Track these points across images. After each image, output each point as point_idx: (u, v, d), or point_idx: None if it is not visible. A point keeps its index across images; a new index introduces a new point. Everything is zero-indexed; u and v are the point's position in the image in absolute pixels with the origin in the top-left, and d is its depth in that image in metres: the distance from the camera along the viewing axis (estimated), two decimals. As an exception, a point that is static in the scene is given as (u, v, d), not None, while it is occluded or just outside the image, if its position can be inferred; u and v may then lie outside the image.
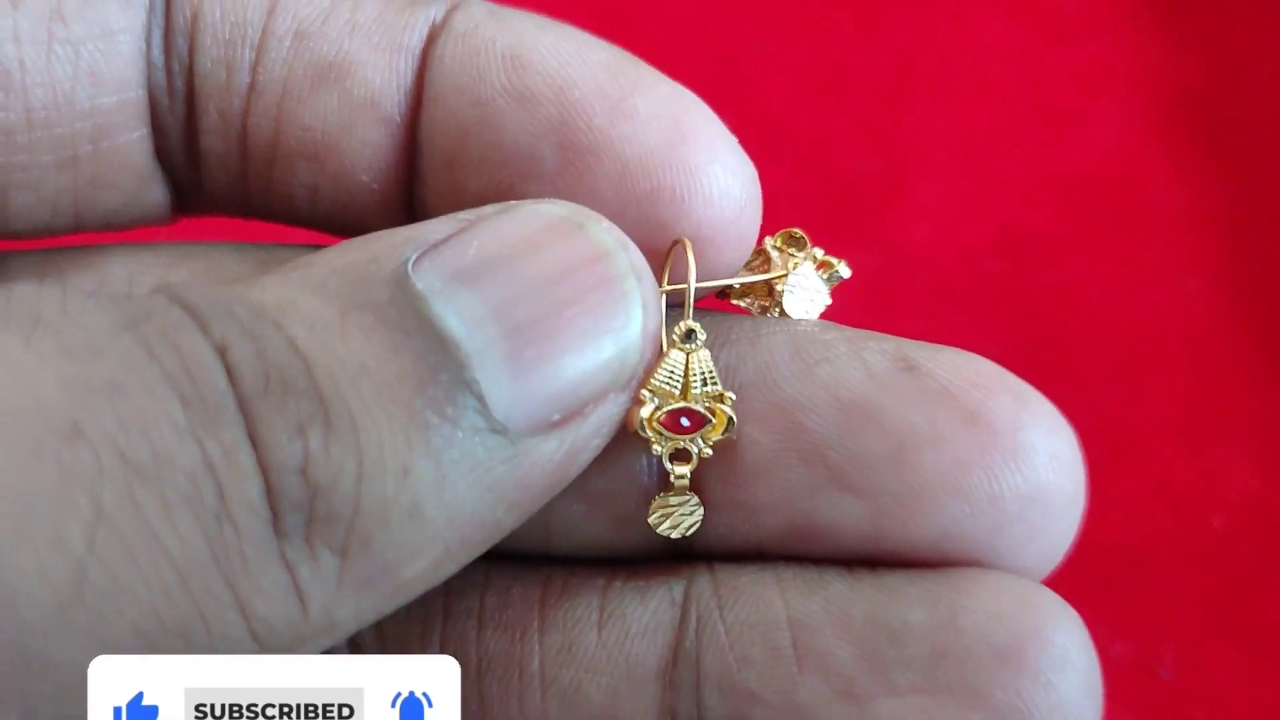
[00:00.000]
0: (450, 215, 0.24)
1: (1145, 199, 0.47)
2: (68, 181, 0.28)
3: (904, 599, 0.25)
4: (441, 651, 0.28)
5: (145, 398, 0.21)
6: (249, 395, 0.21)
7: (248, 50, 0.28)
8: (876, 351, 0.26)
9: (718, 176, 0.26)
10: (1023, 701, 0.24)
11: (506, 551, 0.27)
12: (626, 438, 0.26)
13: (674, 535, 0.27)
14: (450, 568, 0.23)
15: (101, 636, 0.20)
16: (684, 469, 0.26)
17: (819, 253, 0.30)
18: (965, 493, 0.25)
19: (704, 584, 0.27)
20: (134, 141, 0.28)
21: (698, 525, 0.27)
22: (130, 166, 0.29)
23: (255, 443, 0.21)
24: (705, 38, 0.49)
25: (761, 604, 0.26)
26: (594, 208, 0.26)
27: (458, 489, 0.22)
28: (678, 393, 0.26)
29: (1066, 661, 0.24)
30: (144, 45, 0.28)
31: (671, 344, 0.26)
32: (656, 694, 0.27)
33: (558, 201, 0.25)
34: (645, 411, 0.26)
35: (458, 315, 0.23)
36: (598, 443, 0.24)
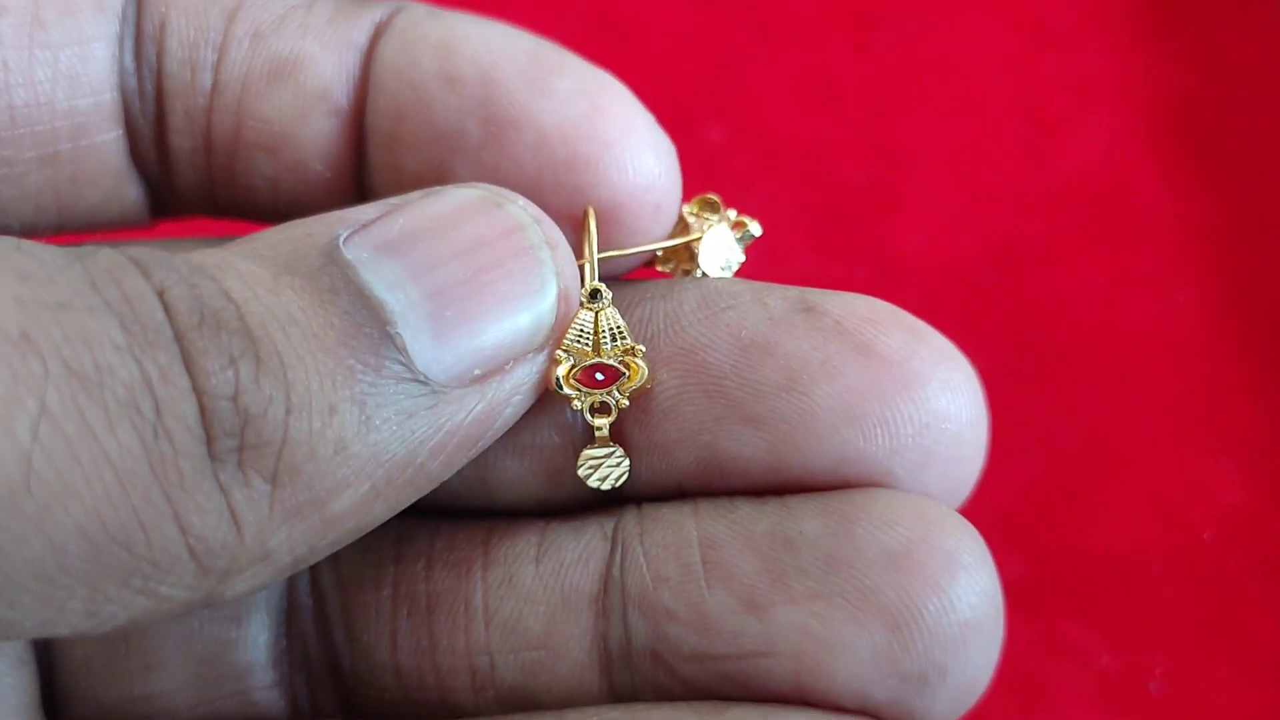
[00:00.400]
0: (381, 201, 0.27)
1: (1136, 209, 0.47)
2: (49, 178, 0.30)
3: (801, 513, 0.27)
4: (394, 590, 0.30)
5: (89, 317, 0.22)
6: (184, 327, 0.23)
7: (210, 52, 0.30)
8: (778, 297, 0.28)
9: (631, 148, 0.28)
10: (911, 602, 0.25)
11: (453, 506, 0.30)
12: (551, 396, 0.28)
13: (603, 488, 0.28)
14: (381, 509, 0.25)
15: (48, 531, 0.21)
16: (603, 421, 0.28)
17: (732, 214, 0.31)
18: (858, 419, 0.26)
19: (630, 518, 0.29)
20: (110, 141, 0.30)
21: (625, 476, 0.28)
22: (107, 165, 0.31)
23: (190, 368, 0.23)
24: (699, 49, 0.49)
25: (676, 528, 0.28)
26: (515, 175, 0.28)
27: (382, 432, 0.24)
28: (590, 350, 0.28)
29: (956, 564, 0.25)
30: (117, 51, 0.30)
31: (581, 305, 0.27)
32: (590, 620, 0.28)
33: (478, 185, 0.27)
34: (561, 370, 0.27)
35: (383, 280, 0.24)
36: (519, 399, 0.26)
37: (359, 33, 0.30)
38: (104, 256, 0.23)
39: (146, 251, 0.24)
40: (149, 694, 0.30)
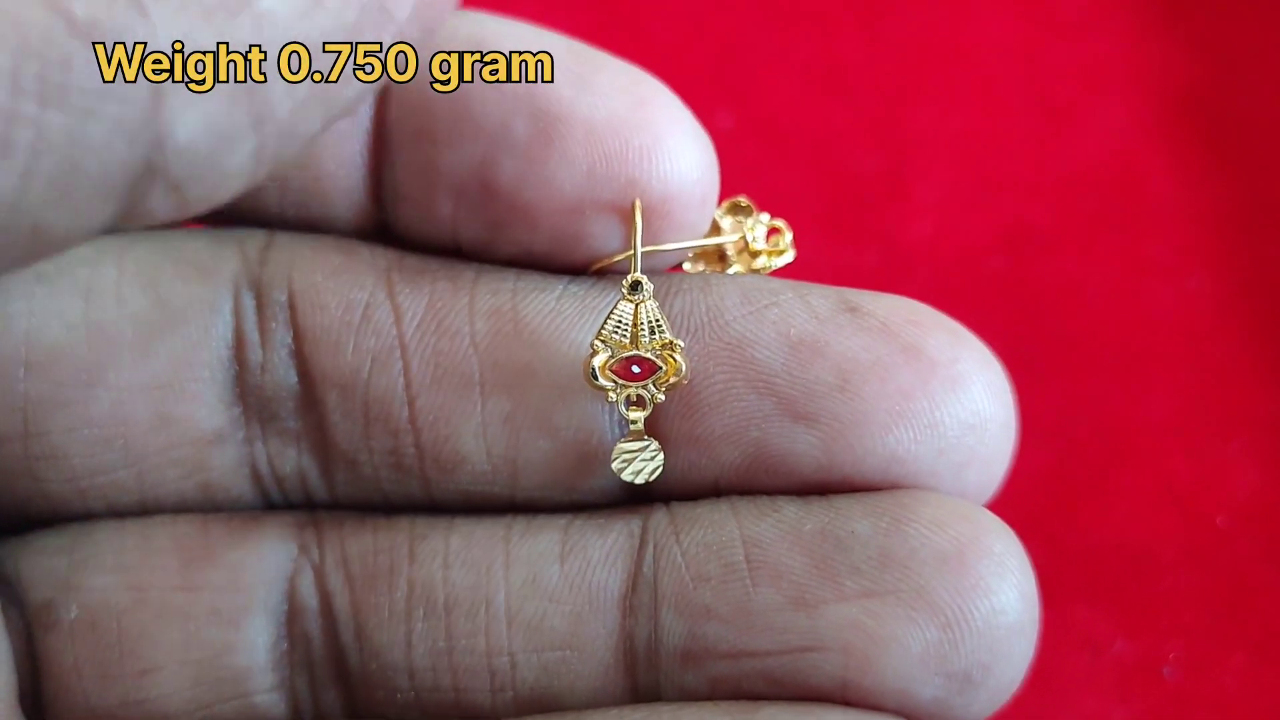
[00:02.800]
0: None
1: (1146, 196, 0.47)
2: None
3: (851, 514, 0.27)
4: (409, 591, 0.29)
5: None
6: None
7: None
8: (820, 296, 0.29)
9: (680, 139, 0.28)
10: (964, 602, 0.26)
11: (473, 498, 0.29)
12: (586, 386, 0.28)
13: (637, 481, 0.28)
14: (312, 26, 0.23)
15: None
16: (638, 414, 0.28)
17: (765, 217, 0.32)
18: (909, 418, 0.27)
19: (661, 517, 0.29)
20: None
21: (659, 471, 0.28)
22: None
23: None
24: (708, 35, 0.49)
25: (716, 527, 0.28)
26: (566, 169, 0.28)
27: None
28: (627, 342, 0.28)
29: (1004, 568, 0.26)
30: None
31: (620, 296, 0.28)
32: (617, 619, 0.28)
33: None
34: (598, 361, 0.28)
35: None
36: None
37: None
38: None
39: None
40: (145, 699, 0.30)
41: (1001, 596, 0.26)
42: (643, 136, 0.28)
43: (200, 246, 0.31)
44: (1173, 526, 0.40)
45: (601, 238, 0.29)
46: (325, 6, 0.23)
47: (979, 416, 0.27)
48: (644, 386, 0.28)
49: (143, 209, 0.23)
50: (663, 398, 0.28)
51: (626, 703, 0.28)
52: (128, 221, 0.24)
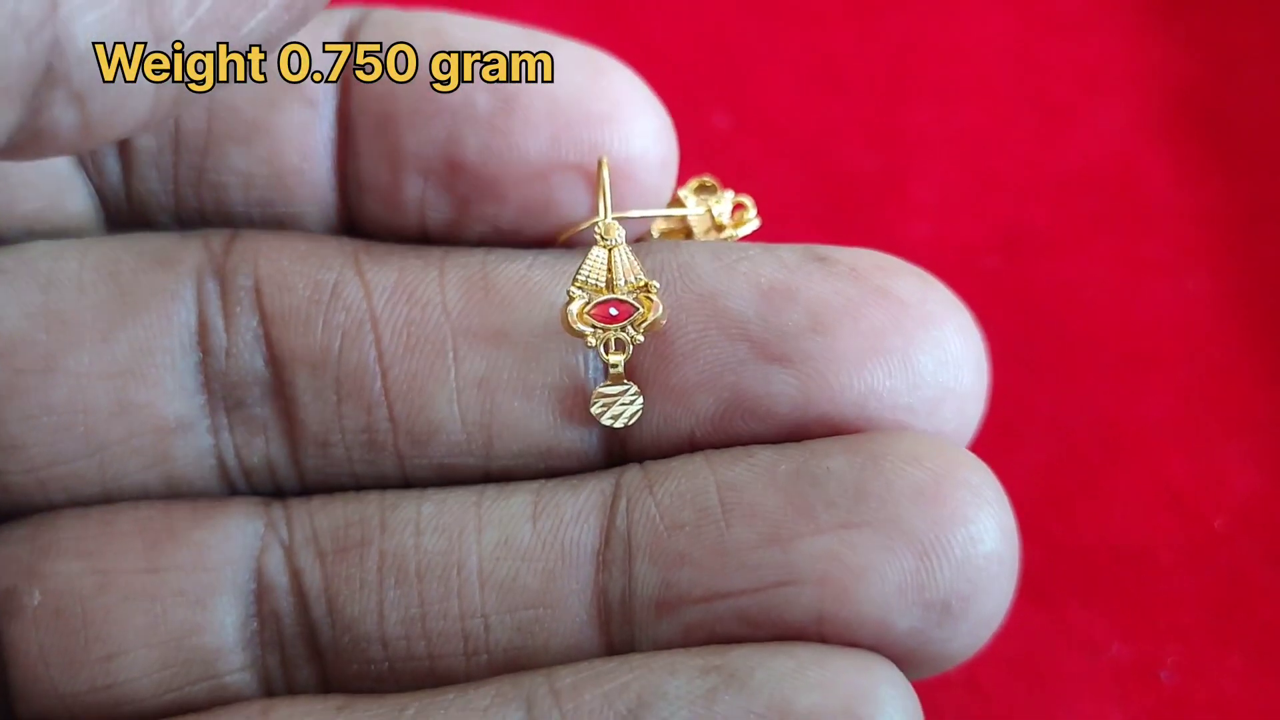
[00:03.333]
0: None
1: (1144, 195, 0.47)
2: None
3: (827, 453, 0.27)
4: (380, 561, 0.29)
5: None
6: None
7: None
8: (788, 250, 0.29)
9: (638, 104, 0.29)
10: (941, 531, 0.26)
11: (447, 468, 0.30)
12: (563, 334, 0.28)
13: (616, 425, 0.29)
14: None
15: None
16: (619, 358, 0.28)
17: (729, 195, 0.32)
18: (883, 355, 0.27)
19: (634, 473, 0.29)
20: None
21: (639, 414, 0.28)
22: (45, 169, 0.30)
23: None
24: (702, 35, 0.49)
25: (690, 476, 0.28)
26: (531, 138, 0.29)
27: None
28: (603, 287, 0.28)
29: (981, 498, 0.26)
30: None
31: (594, 243, 0.28)
32: (590, 574, 0.28)
33: None
34: (575, 307, 0.28)
35: None
36: None
37: (330, 30, 0.30)
38: None
39: None
40: (112, 683, 0.30)
41: (978, 525, 0.26)
42: (602, 103, 0.29)
43: (164, 242, 0.31)
44: (1171, 528, 0.40)
45: (568, 205, 0.30)
46: None
47: (951, 353, 0.28)
48: (622, 329, 0.28)
49: (46, 120, 0.23)
50: (642, 339, 0.28)
51: (601, 657, 0.28)
52: (33, 140, 0.23)
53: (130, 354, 0.30)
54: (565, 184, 0.29)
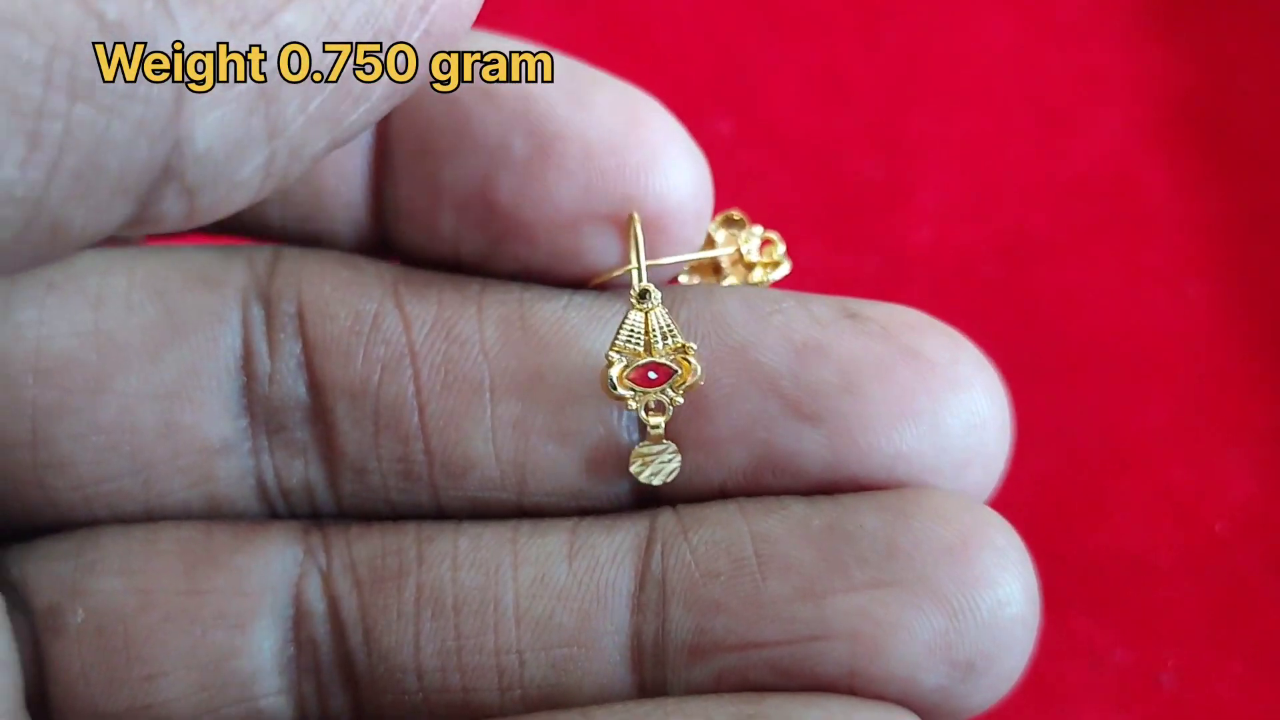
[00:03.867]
0: None
1: (1145, 203, 0.47)
2: None
3: (858, 510, 0.28)
4: (417, 593, 0.29)
5: None
6: None
7: None
8: (820, 304, 0.29)
9: (675, 156, 0.29)
10: (970, 593, 0.26)
11: (480, 503, 0.30)
12: (600, 388, 0.29)
13: (655, 482, 0.29)
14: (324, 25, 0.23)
15: None
16: (659, 419, 0.29)
17: (759, 230, 0.32)
18: (913, 417, 0.28)
19: (668, 518, 0.29)
20: None
21: (677, 471, 0.29)
22: None
23: None
24: (707, 43, 0.49)
25: (724, 525, 0.28)
26: (563, 184, 0.29)
27: None
28: (642, 350, 0.28)
29: (1007, 559, 0.27)
30: None
31: (630, 306, 0.28)
32: (625, 616, 0.28)
33: None
34: (615, 371, 0.28)
35: None
36: None
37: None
38: None
39: None
40: (151, 703, 0.30)
41: (1005, 588, 0.27)
42: (638, 154, 0.29)
43: (208, 260, 0.31)
44: (1171, 534, 0.40)
45: (598, 252, 0.30)
46: (341, 28, 0.24)
47: (979, 416, 0.28)
48: (662, 391, 0.29)
49: (155, 211, 0.24)
50: (681, 400, 0.29)
51: (633, 698, 0.29)
52: (138, 226, 0.24)
53: (178, 376, 0.30)
54: (596, 233, 0.29)
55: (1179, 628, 0.38)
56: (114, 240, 0.30)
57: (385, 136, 0.30)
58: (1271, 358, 0.43)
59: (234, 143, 0.23)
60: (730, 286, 0.31)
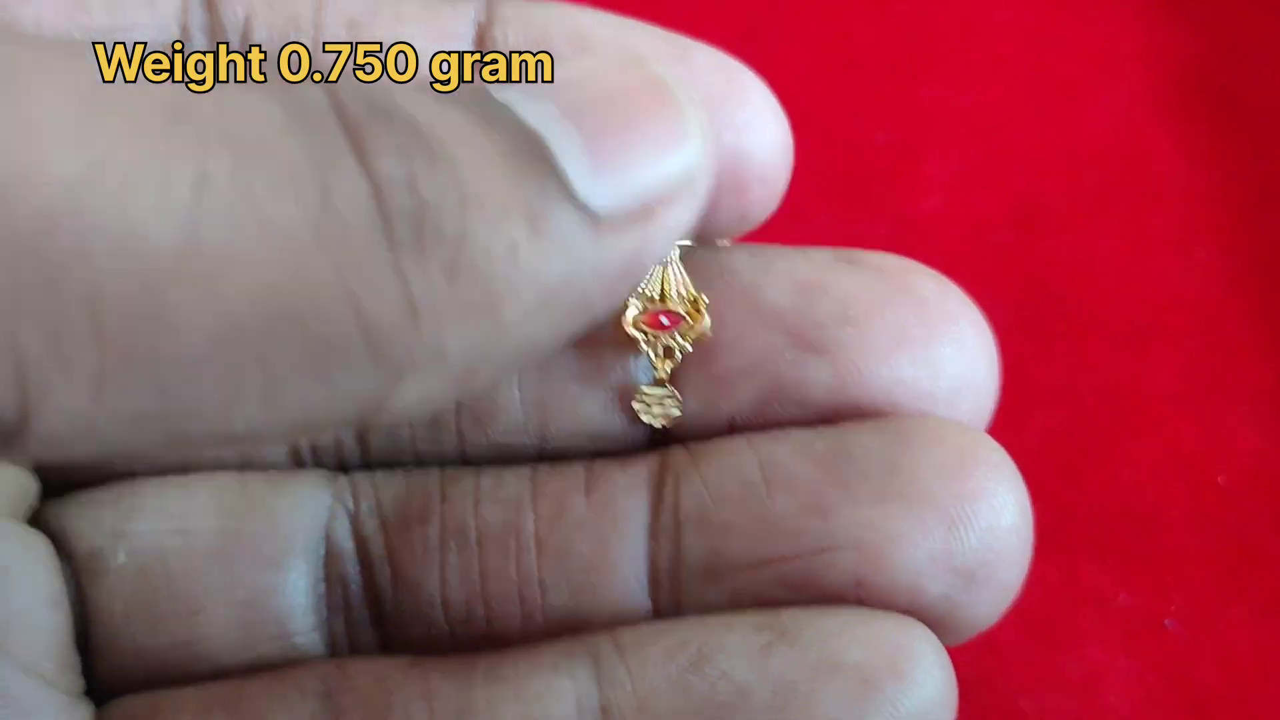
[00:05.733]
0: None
1: (1154, 171, 0.47)
2: None
3: (860, 433, 0.29)
4: (441, 528, 0.31)
5: (246, 95, 0.21)
6: (350, 115, 0.22)
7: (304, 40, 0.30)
8: (819, 252, 0.31)
9: (773, 111, 0.31)
10: (967, 505, 0.28)
11: (500, 446, 0.31)
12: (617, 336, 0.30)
13: (654, 424, 0.30)
14: (546, 328, 0.24)
15: (218, 296, 0.20)
16: (667, 364, 0.30)
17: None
18: (909, 345, 0.30)
19: (679, 452, 0.31)
20: None
21: (677, 416, 0.30)
22: None
23: (359, 152, 0.21)
24: (718, 11, 0.50)
25: (734, 454, 0.30)
26: None
27: (550, 242, 0.23)
28: (657, 297, 0.30)
29: (1000, 475, 0.29)
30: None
31: None
32: (642, 542, 0.30)
33: (616, 52, 0.29)
34: (630, 314, 0.30)
35: (537, 116, 0.23)
36: (665, 239, 0.25)
37: (460, 23, 0.30)
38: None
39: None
40: (191, 639, 0.31)
41: (1000, 499, 0.28)
42: (743, 111, 0.30)
43: None
44: (1177, 488, 0.40)
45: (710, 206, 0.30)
46: (551, 314, 0.23)
47: (968, 348, 0.30)
48: (672, 336, 0.30)
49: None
50: (690, 348, 0.30)
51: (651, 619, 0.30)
52: None
53: None
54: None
55: (1184, 576, 0.39)
56: None
57: None
58: (1278, 322, 0.44)
59: (428, 407, 0.23)
60: (735, 245, 0.32)
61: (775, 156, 0.30)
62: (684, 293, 0.30)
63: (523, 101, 0.24)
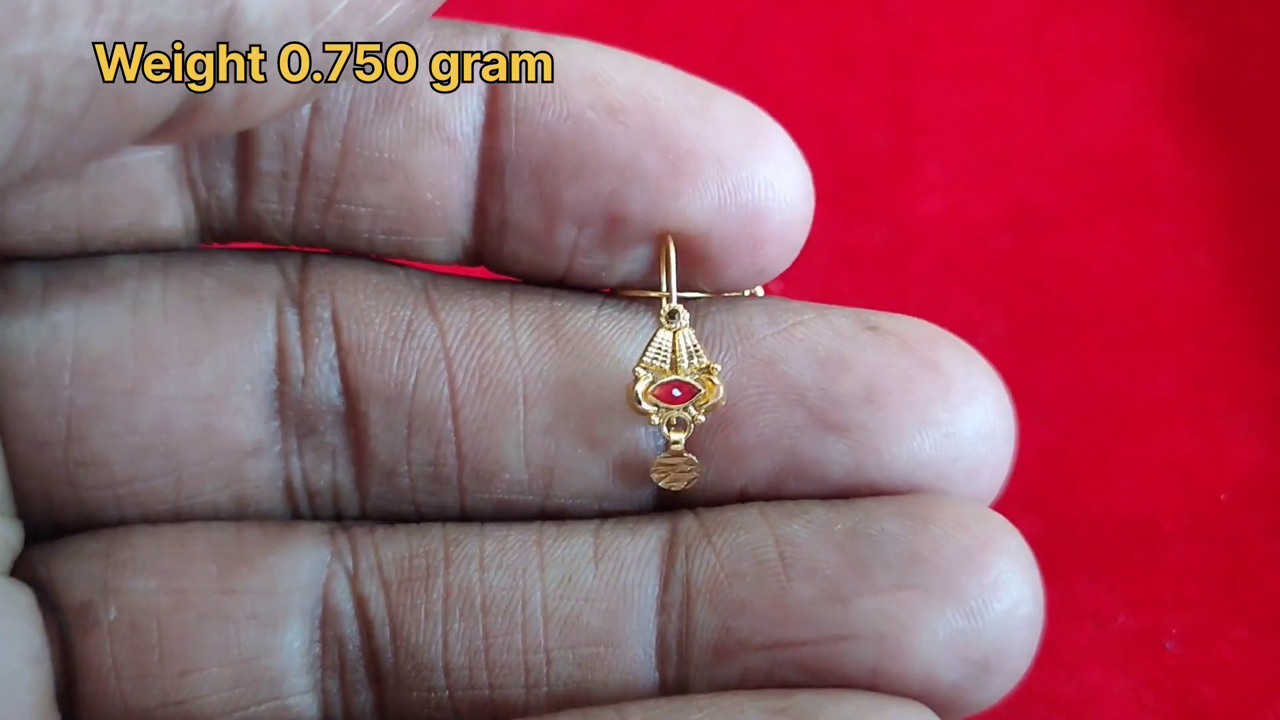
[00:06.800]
0: None
1: (1152, 174, 0.47)
2: (70, 194, 0.30)
3: (879, 515, 0.29)
4: (445, 593, 0.30)
5: None
6: None
7: None
8: (841, 316, 0.30)
9: (795, 167, 0.30)
10: (986, 595, 0.28)
11: (507, 504, 0.31)
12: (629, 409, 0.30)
13: (675, 488, 0.30)
14: None
15: None
16: (680, 435, 0.30)
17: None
18: (930, 427, 0.29)
19: (690, 521, 0.30)
20: (149, 161, 0.30)
21: (696, 479, 0.30)
22: (141, 185, 0.30)
23: None
24: (714, 14, 0.49)
25: (747, 528, 0.29)
26: (698, 201, 0.30)
27: None
28: (667, 367, 0.29)
29: (1019, 564, 0.28)
30: None
31: (659, 325, 0.30)
32: (651, 616, 0.29)
33: None
34: (640, 386, 0.29)
35: None
36: None
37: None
38: None
39: None
40: (183, 699, 0.30)
41: (1018, 591, 0.28)
42: (765, 169, 0.30)
43: (241, 265, 0.32)
44: (1176, 501, 0.40)
45: (725, 262, 0.30)
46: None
47: (989, 427, 0.30)
48: (684, 409, 0.29)
49: (209, 98, 0.24)
50: (703, 419, 0.30)
51: (658, 696, 0.29)
52: (188, 117, 0.24)
53: (214, 380, 0.31)
54: (725, 243, 0.30)
55: (1184, 592, 0.38)
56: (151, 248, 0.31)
57: (494, 156, 0.30)
58: (1277, 327, 0.43)
59: (283, 19, 0.24)
60: (752, 299, 0.31)
61: (793, 215, 0.30)
62: (696, 362, 0.29)
63: None
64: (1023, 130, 0.48)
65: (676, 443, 0.30)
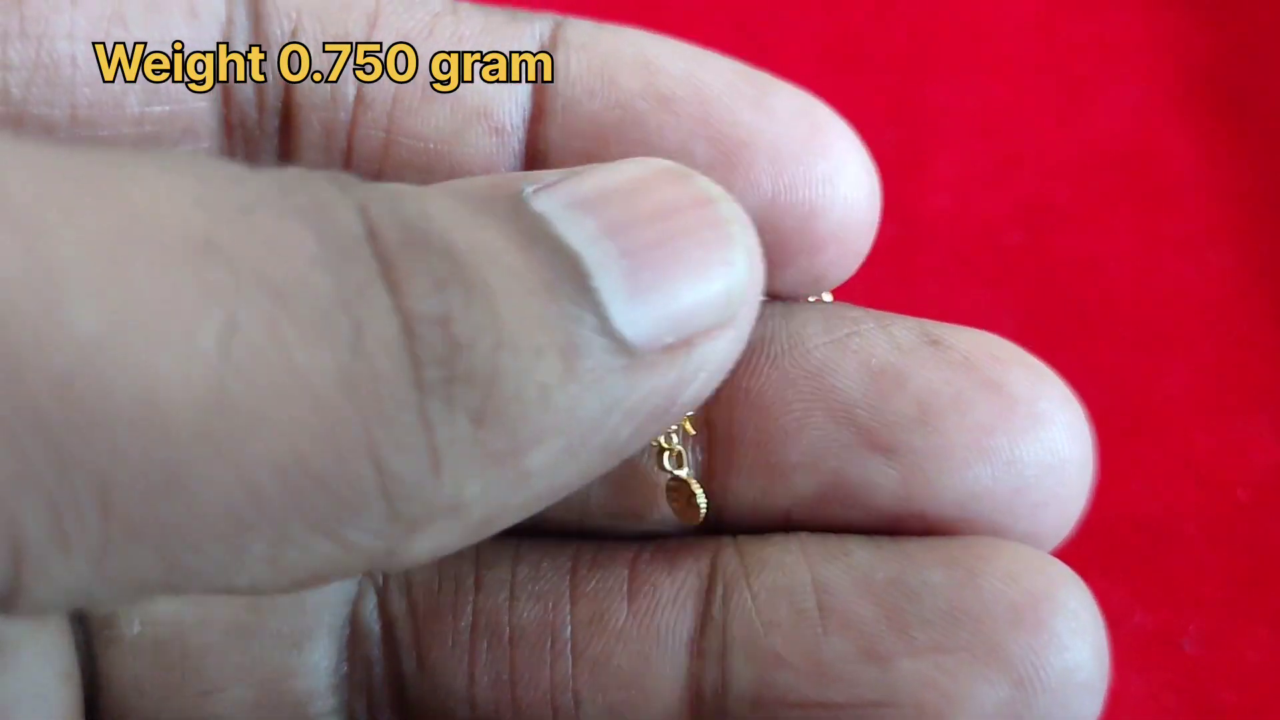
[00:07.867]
0: (560, 170, 0.24)
1: (1164, 171, 0.47)
2: None
3: (923, 562, 0.26)
4: (474, 621, 0.29)
5: (279, 223, 0.20)
6: (385, 244, 0.20)
7: None
8: (902, 327, 0.28)
9: (857, 165, 0.28)
10: (1038, 659, 0.25)
11: (538, 528, 0.29)
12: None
13: (684, 520, 0.28)
14: (572, 472, 0.23)
15: (241, 462, 0.19)
16: (684, 470, 0.28)
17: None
18: (989, 455, 0.26)
19: (730, 555, 0.28)
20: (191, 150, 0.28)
21: (704, 511, 0.28)
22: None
23: (393, 287, 0.20)
24: (723, 8, 0.49)
25: (787, 570, 0.27)
26: (750, 194, 0.27)
27: (581, 383, 0.22)
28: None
29: (1079, 623, 0.26)
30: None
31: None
32: (685, 662, 0.28)
33: (660, 159, 0.25)
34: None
35: (577, 234, 0.22)
36: (705, 376, 0.24)
37: (522, 43, 0.29)
38: (294, 170, 0.21)
39: (339, 173, 0.22)
40: (206, 717, 0.29)
41: (1074, 654, 0.26)
42: (823, 163, 0.28)
43: None
44: (1192, 500, 0.40)
45: (774, 261, 0.28)
46: (577, 458, 0.23)
47: (1058, 456, 0.27)
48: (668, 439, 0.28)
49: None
50: (693, 431, 0.28)
51: None
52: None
53: None
54: (776, 241, 0.27)
55: (1200, 592, 0.38)
56: None
57: (539, 146, 0.29)
58: (1294, 324, 0.43)
59: (438, 554, 0.22)
60: (810, 304, 0.29)
61: (856, 215, 0.28)
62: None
63: (563, 216, 0.22)
64: (1034, 126, 0.48)
65: (678, 477, 0.28)
